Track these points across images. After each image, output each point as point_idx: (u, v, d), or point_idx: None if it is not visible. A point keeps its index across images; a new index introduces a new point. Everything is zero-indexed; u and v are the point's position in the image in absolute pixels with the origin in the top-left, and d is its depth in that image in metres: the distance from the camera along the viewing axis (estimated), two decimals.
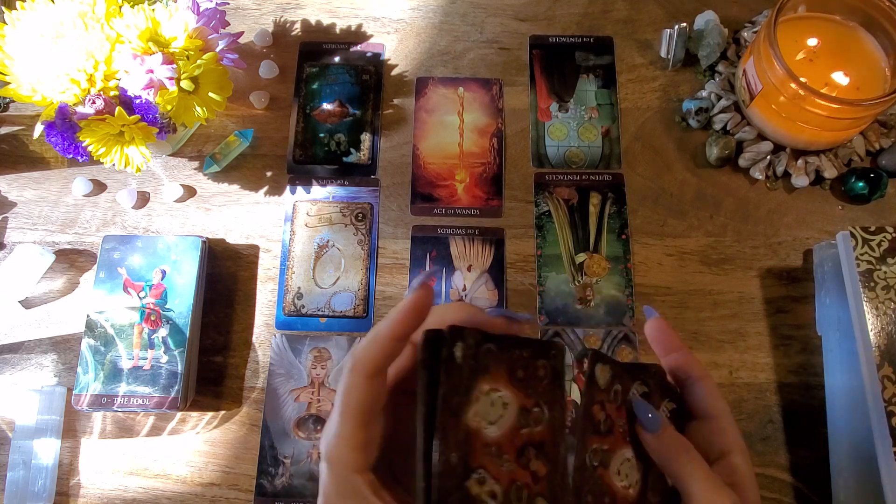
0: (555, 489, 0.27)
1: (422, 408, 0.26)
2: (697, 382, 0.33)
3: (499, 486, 0.26)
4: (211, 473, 0.56)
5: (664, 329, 0.34)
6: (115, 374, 0.55)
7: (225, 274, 0.62)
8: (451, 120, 0.67)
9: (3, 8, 0.62)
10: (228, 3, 0.62)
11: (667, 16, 0.71)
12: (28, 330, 0.60)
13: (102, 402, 0.54)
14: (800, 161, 0.63)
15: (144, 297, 0.57)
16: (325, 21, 0.71)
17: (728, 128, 0.65)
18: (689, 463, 0.30)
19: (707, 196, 0.64)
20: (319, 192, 0.64)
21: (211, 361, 0.59)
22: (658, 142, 0.66)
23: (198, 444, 0.57)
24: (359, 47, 0.70)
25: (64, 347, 0.60)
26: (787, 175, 0.63)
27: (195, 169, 0.65)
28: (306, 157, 0.66)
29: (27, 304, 0.61)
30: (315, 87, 0.68)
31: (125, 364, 0.55)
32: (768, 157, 0.63)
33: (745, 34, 0.68)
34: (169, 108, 0.55)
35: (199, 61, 0.55)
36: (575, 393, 0.31)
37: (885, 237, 0.53)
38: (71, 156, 0.54)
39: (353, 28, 0.71)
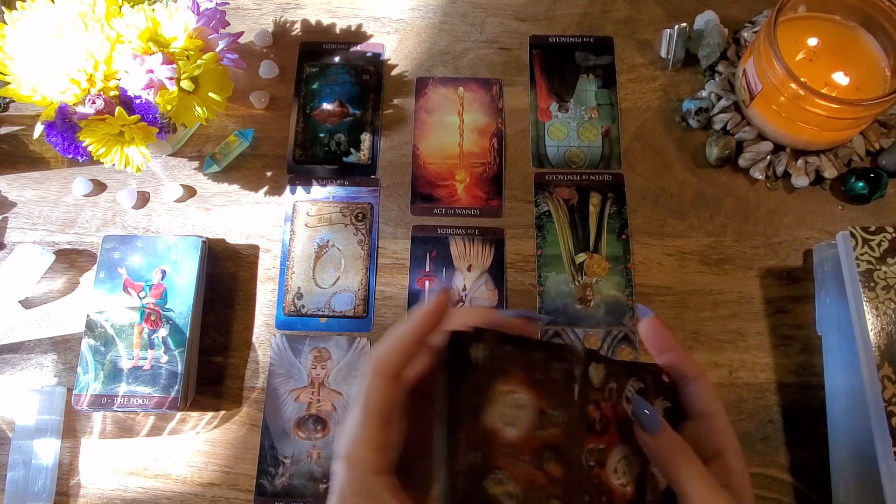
0: (570, 492, 0.28)
1: (441, 408, 0.27)
2: (693, 382, 0.33)
3: (517, 487, 0.26)
4: (211, 473, 0.56)
5: (658, 328, 0.34)
6: (115, 374, 0.55)
7: (225, 274, 0.62)
8: (451, 120, 0.67)
9: (3, 8, 0.62)
10: (228, 3, 0.62)
11: (667, 16, 0.71)
12: (28, 330, 0.60)
13: (102, 402, 0.54)
14: (800, 161, 0.63)
15: (144, 297, 0.57)
16: (325, 21, 0.71)
17: (728, 128, 0.65)
18: (685, 464, 0.30)
19: (707, 196, 0.64)
20: (319, 192, 0.64)
21: (211, 361, 0.59)
22: (658, 142, 0.66)
23: (198, 444, 0.57)
24: (359, 47, 0.70)
25: (64, 347, 0.60)
26: (787, 175, 0.63)
27: (195, 169, 0.65)
28: (306, 157, 0.66)
29: (27, 304, 0.61)
30: (315, 87, 0.68)
31: (125, 364, 0.55)
32: (768, 157, 0.63)
33: (745, 34, 0.68)
34: (169, 108, 0.55)
35: (199, 61, 0.55)
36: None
37: (885, 237, 0.53)
38: (71, 156, 0.54)
39: (353, 28, 0.71)
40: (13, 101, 0.68)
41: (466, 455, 0.26)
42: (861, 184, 0.61)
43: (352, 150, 0.66)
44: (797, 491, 0.55)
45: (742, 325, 0.59)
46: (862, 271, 0.52)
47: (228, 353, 0.59)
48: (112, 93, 0.54)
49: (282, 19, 0.71)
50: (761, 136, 0.64)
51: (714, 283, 0.61)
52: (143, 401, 0.54)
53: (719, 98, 0.65)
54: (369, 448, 0.27)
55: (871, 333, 0.50)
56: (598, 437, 0.30)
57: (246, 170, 0.65)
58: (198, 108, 0.57)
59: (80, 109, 0.53)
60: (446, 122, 0.67)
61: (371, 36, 0.71)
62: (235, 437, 0.57)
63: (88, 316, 0.56)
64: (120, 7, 0.55)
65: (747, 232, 0.62)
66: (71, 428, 0.57)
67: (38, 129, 0.54)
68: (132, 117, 0.53)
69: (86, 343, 0.55)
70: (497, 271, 0.61)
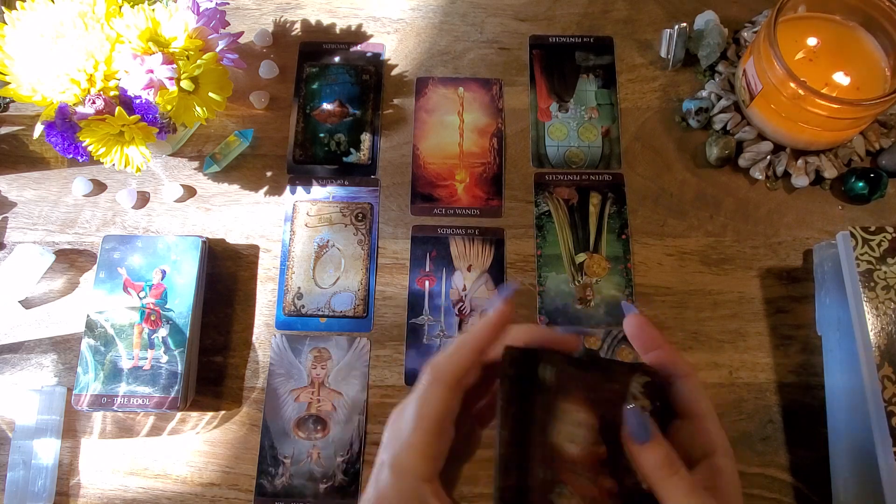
0: None
1: (507, 421, 0.28)
2: (680, 380, 0.32)
3: (581, 502, 0.28)
4: (211, 473, 0.56)
5: (643, 325, 0.33)
6: (115, 374, 0.55)
7: (225, 274, 0.62)
8: (451, 120, 0.67)
9: (3, 8, 0.62)
10: (228, 3, 0.62)
11: (667, 16, 0.71)
12: (28, 330, 0.60)
13: (102, 402, 0.54)
14: (800, 161, 0.63)
15: (144, 297, 0.57)
16: (325, 21, 0.71)
17: (728, 128, 0.65)
18: (668, 476, 0.29)
19: (707, 196, 0.64)
20: (319, 192, 0.64)
21: (211, 361, 0.59)
22: (658, 142, 0.66)
23: (198, 444, 0.57)
24: (359, 47, 0.70)
25: (64, 347, 0.60)
26: (787, 175, 0.63)
27: (195, 169, 0.65)
28: (306, 157, 0.66)
29: (27, 304, 0.61)
30: (315, 87, 0.68)
31: (125, 364, 0.55)
32: (768, 157, 0.63)
33: (745, 34, 0.68)
34: (169, 108, 0.55)
35: (199, 61, 0.55)
36: None
37: (885, 237, 0.53)
38: (71, 156, 0.54)
39: (353, 28, 0.71)
40: (13, 101, 0.68)
41: (536, 470, 0.28)
42: (861, 184, 0.61)
43: (352, 150, 0.66)
44: (797, 491, 0.55)
45: (742, 325, 0.59)
46: (862, 271, 0.52)
47: (228, 353, 0.59)
48: (112, 93, 0.54)
49: (282, 19, 0.71)
50: (761, 136, 0.64)
51: (714, 283, 0.61)
52: (143, 401, 0.54)
53: (719, 98, 0.65)
54: (421, 456, 0.28)
55: (871, 333, 0.50)
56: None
57: (246, 170, 0.65)
58: (198, 108, 0.57)
59: (80, 109, 0.53)
60: (446, 122, 0.67)
61: (371, 36, 0.71)
62: (235, 437, 0.57)
63: (88, 316, 0.56)
64: (120, 7, 0.55)
65: (747, 232, 0.62)
66: (71, 428, 0.57)
67: (38, 129, 0.54)
68: (132, 117, 0.53)
69: (86, 343, 0.55)
70: (497, 271, 0.61)
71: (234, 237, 0.63)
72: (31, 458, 0.55)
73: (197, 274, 0.58)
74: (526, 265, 0.62)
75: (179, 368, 0.55)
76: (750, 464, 0.55)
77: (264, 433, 0.57)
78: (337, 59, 0.69)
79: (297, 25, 0.71)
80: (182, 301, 0.57)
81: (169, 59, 0.54)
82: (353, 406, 0.57)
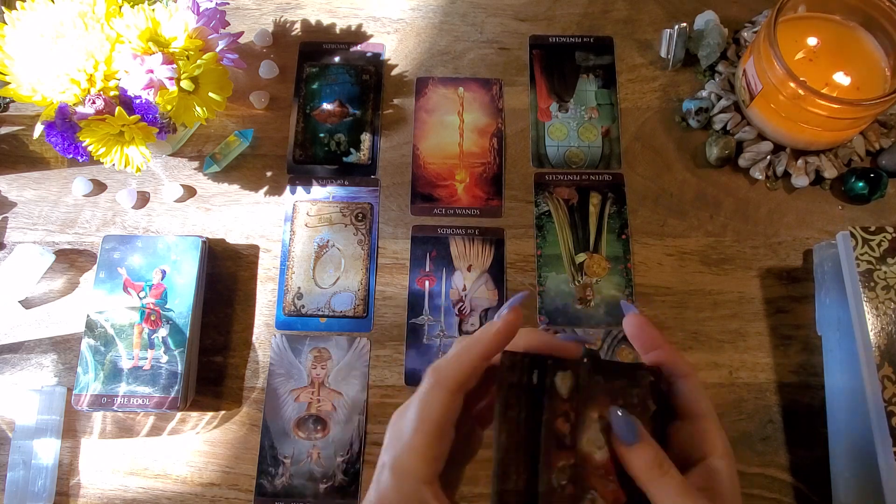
0: None
1: (505, 426, 0.29)
2: (681, 380, 0.31)
3: None
4: (211, 473, 0.56)
5: (643, 325, 0.33)
6: (115, 374, 0.55)
7: (225, 274, 0.62)
8: (451, 120, 0.67)
9: (3, 8, 0.62)
10: (228, 3, 0.62)
11: (667, 16, 0.71)
12: (28, 330, 0.60)
13: (102, 402, 0.54)
14: (800, 161, 0.63)
15: (144, 297, 0.57)
16: (325, 21, 0.71)
17: (728, 128, 0.65)
18: (659, 477, 0.28)
19: (707, 196, 0.64)
20: (319, 192, 0.64)
21: (211, 361, 0.59)
22: (658, 142, 0.66)
23: (198, 444, 0.57)
24: (359, 47, 0.70)
25: (64, 347, 0.60)
26: (787, 175, 0.63)
27: (195, 169, 0.65)
28: (306, 157, 0.66)
29: (27, 304, 0.61)
30: (315, 87, 0.68)
31: (125, 364, 0.55)
32: (768, 157, 0.63)
33: (745, 34, 0.68)
34: (169, 108, 0.55)
35: (199, 61, 0.55)
36: None
37: (885, 237, 0.53)
38: (71, 156, 0.54)
39: (353, 28, 0.71)
40: (13, 101, 0.68)
41: (559, 480, 0.29)
42: (861, 184, 0.61)
43: (352, 150, 0.66)
44: (797, 491, 0.55)
45: (742, 325, 0.59)
46: (862, 271, 0.52)
47: (228, 353, 0.59)
48: (112, 93, 0.54)
49: (282, 19, 0.71)
50: (761, 136, 0.64)
51: (714, 283, 0.61)
52: (143, 401, 0.54)
53: (719, 98, 0.65)
54: (422, 459, 0.28)
55: (871, 333, 0.50)
56: (569, 451, 0.30)
57: (246, 170, 0.65)
58: (198, 108, 0.57)
59: (80, 109, 0.53)
60: (446, 122, 0.67)
61: (371, 36, 0.71)
62: (235, 437, 0.57)
63: (88, 316, 0.56)
64: (120, 7, 0.55)
65: (747, 232, 0.62)
66: (71, 428, 0.57)
67: (38, 129, 0.54)
68: (132, 117, 0.53)
69: (86, 343, 0.55)
70: (497, 271, 0.61)
71: (234, 237, 0.63)
72: (31, 458, 0.55)
73: (197, 274, 0.58)
74: (526, 265, 0.62)
75: (179, 368, 0.55)
76: (750, 464, 0.55)
77: (264, 433, 0.57)
78: (337, 59, 0.69)
79: (297, 25, 0.71)
80: (182, 301, 0.57)
81: (169, 59, 0.54)
82: (353, 406, 0.57)
